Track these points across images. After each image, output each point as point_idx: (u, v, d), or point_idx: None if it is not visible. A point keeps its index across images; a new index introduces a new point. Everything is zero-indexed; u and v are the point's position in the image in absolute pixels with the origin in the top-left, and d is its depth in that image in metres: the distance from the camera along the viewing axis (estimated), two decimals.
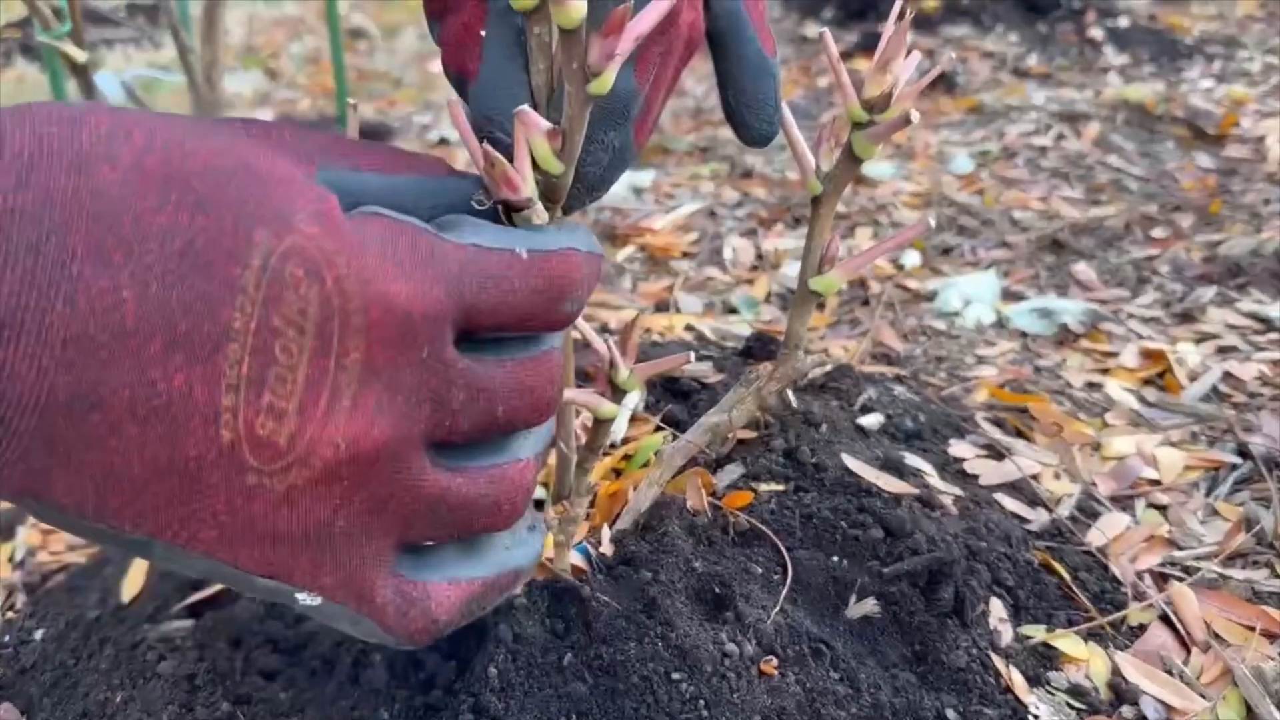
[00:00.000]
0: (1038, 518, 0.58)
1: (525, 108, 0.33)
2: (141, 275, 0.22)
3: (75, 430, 0.22)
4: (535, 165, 0.34)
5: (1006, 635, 0.50)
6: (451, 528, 0.30)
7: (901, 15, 0.44)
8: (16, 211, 0.21)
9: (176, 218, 0.23)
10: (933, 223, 0.52)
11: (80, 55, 1.11)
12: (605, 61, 0.32)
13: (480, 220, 0.29)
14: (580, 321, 0.40)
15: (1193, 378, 0.76)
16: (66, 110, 0.23)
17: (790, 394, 0.64)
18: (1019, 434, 0.68)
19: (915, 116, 0.42)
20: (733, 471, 0.58)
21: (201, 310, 0.23)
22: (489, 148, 0.32)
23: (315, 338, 0.24)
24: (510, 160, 0.33)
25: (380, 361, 0.25)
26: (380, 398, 0.26)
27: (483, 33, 0.39)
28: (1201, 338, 0.83)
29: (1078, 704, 0.47)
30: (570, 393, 0.38)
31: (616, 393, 0.39)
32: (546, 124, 0.33)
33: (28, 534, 0.63)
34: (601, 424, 0.42)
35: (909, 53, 0.46)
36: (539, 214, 0.35)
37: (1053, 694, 0.48)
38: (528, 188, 0.34)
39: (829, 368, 0.71)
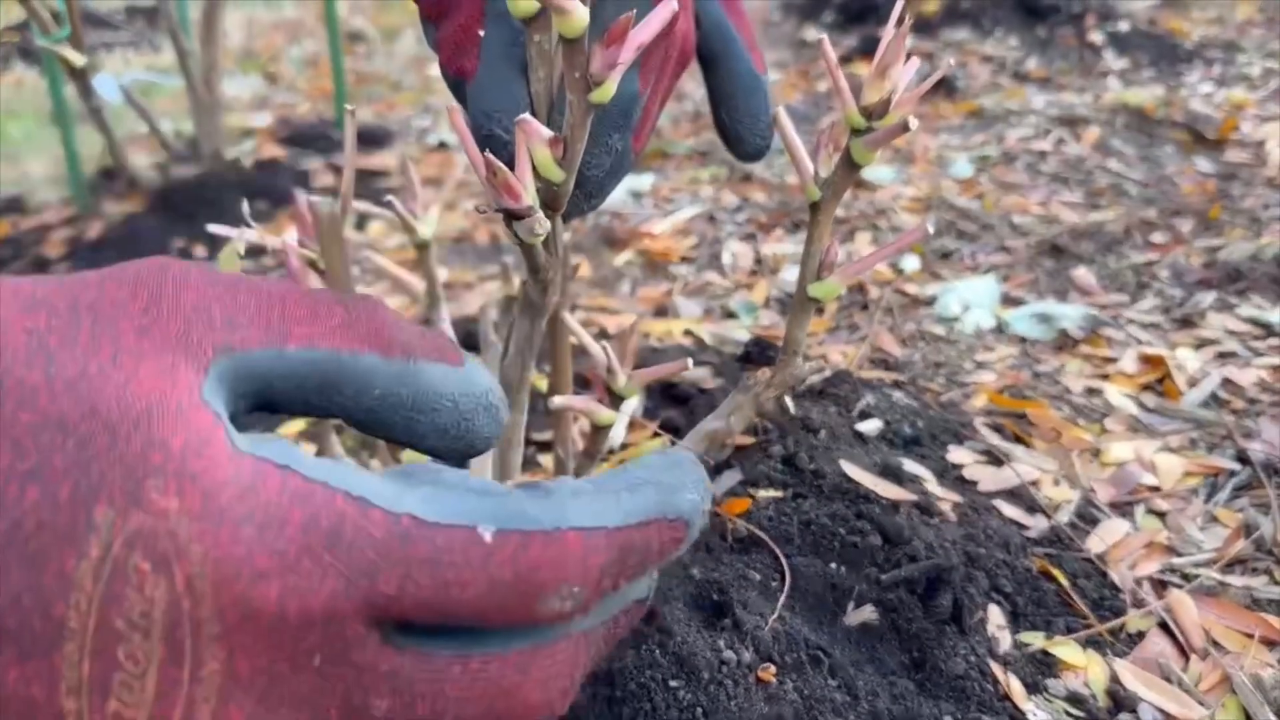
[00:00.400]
0: (1036, 524, 0.58)
1: (526, 116, 0.33)
2: None
3: None
4: (536, 173, 0.34)
5: (1005, 642, 0.50)
6: None
7: (900, 21, 0.44)
8: None
9: (6, 488, 0.19)
10: (931, 228, 0.51)
11: (79, 59, 1.11)
12: (607, 70, 0.32)
13: (441, 468, 0.22)
14: (577, 327, 0.40)
15: (1192, 383, 0.76)
16: None
17: (789, 400, 0.64)
18: (1018, 440, 0.68)
19: (914, 123, 0.42)
20: (731, 478, 0.58)
21: (32, 605, 0.19)
22: (490, 156, 0.32)
23: (163, 643, 0.20)
24: (511, 168, 0.33)
25: (246, 672, 0.20)
26: (252, 712, 0.20)
27: (481, 33, 0.39)
28: (1201, 343, 0.83)
29: (1076, 711, 0.47)
30: (567, 399, 0.38)
31: (614, 399, 0.39)
32: (548, 132, 0.33)
33: None
34: (600, 430, 0.42)
35: (908, 58, 0.46)
36: (540, 223, 0.35)
37: (1051, 701, 0.48)
38: (529, 195, 0.34)
39: (827, 373, 0.70)
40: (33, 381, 0.19)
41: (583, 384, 0.71)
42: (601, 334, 0.84)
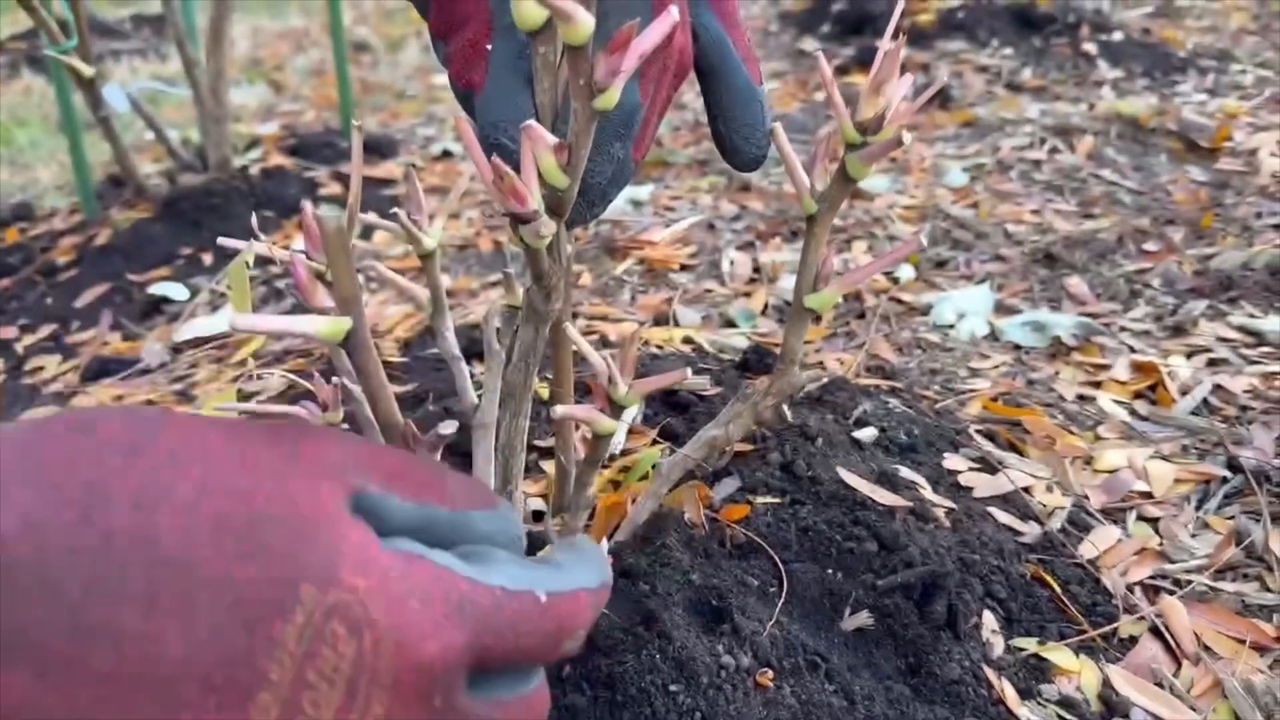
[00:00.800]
0: (1030, 530, 0.59)
1: (532, 123, 0.34)
2: (189, 625, 0.23)
3: None
4: (541, 178, 0.35)
5: (999, 647, 0.51)
6: None
7: (896, 35, 0.45)
8: (76, 550, 0.22)
9: (229, 569, 0.23)
10: (925, 241, 0.53)
11: (87, 70, 1.12)
12: (610, 78, 0.33)
13: (502, 553, 0.30)
14: (578, 337, 0.41)
15: (1184, 391, 0.77)
16: (131, 428, 0.24)
17: (786, 407, 0.65)
18: (1012, 447, 0.69)
19: (908, 139, 0.43)
20: (730, 484, 0.59)
21: (240, 661, 0.23)
22: (498, 161, 0.33)
23: (344, 692, 0.25)
24: (518, 174, 0.34)
25: (399, 715, 0.26)
26: None
27: (488, 48, 0.40)
28: (1193, 351, 0.84)
29: (1069, 716, 0.48)
30: (569, 409, 0.39)
31: (615, 408, 0.40)
32: (553, 138, 0.34)
33: None
34: (601, 438, 0.42)
35: (903, 70, 0.47)
36: (545, 226, 0.36)
37: (1044, 706, 0.48)
38: (534, 201, 0.35)
39: (825, 381, 0.71)
40: (245, 487, 0.25)
41: (585, 391, 0.72)
42: (603, 342, 0.85)
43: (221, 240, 0.52)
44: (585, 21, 0.32)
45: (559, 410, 0.39)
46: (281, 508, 0.25)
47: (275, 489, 0.25)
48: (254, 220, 0.50)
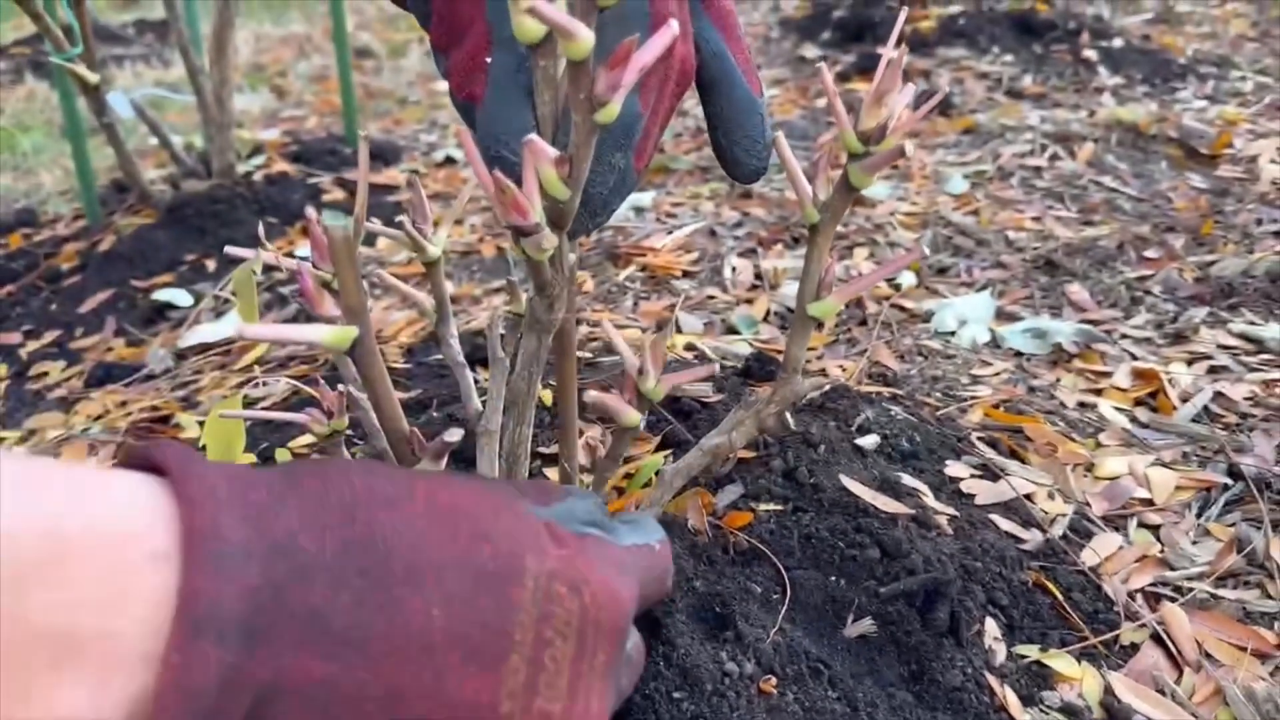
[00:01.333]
0: (1032, 538, 0.59)
1: (533, 136, 0.34)
2: (446, 595, 0.27)
3: None
4: (543, 191, 0.35)
5: (1001, 654, 0.51)
6: None
7: (898, 44, 0.46)
8: (350, 543, 0.25)
9: (469, 546, 0.28)
10: (927, 250, 0.53)
11: (92, 77, 1.13)
12: (611, 92, 0.34)
13: (609, 521, 0.36)
14: (612, 330, 0.42)
15: (1185, 398, 0.77)
16: (356, 464, 0.29)
17: (789, 415, 0.65)
18: (1013, 454, 0.69)
19: (910, 149, 0.44)
20: (732, 491, 0.59)
21: (491, 626, 0.27)
22: (499, 175, 0.34)
23: (576, 645, 0.29)
24: (519, 186, 0.34)
25: (612, 658, 0.30)
26: (607, 689, 0.30)
27: (488, 60, 0.41)
28: (1194, 358, 0.84)
29: None
30: (600, 396, 0.40)
31: (642, 401, 0.41)
32: (554, 151, 0.35)
33: None
34: (623, 432, 0.43)
35: (904, 78, 0.47)
36: (547, 239, 0.36)
37: (1046, 713, 0.49)
38: (536, 213, 0.36)
39: (827, 388, 0.72)
40: (463, 491, 0.30)
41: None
42: (605, 348, 0.85)
43: (229, 249, 0.53)
44: (586, 38, 0.32)
45: (591, 394, 0.39)
46: (491, 505, 0.29)
47: (479, 491, 0.30)
48: (260, 229, 0.51)
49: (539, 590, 0.28)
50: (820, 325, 0.90)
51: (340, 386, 0.54)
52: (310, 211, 0.46)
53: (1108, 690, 0.50)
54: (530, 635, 0.27)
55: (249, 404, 0.81)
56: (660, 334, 0.40)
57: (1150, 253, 1.06)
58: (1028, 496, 0.63)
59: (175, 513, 0.24)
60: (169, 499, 0.24)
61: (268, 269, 1.13)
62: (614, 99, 0.34)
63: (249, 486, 0.26)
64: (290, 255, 1.06)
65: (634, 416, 0.39)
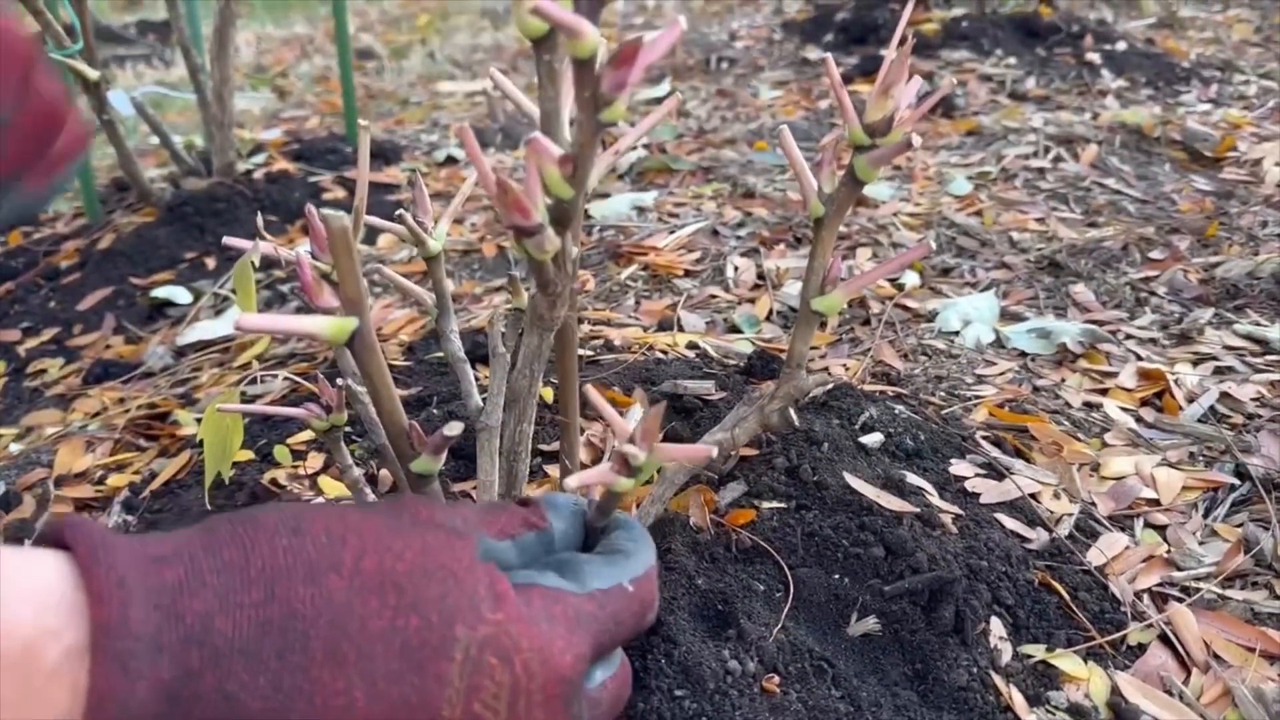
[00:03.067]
0: (1037, 537, 0.59)
1: (537, 134, 0.34)
2: (369, 674, 0.26)
3: None
4: (546, 190, 0.35)
5: (1006, 654, 0.50)
6: None
7: (903, 41, 0.45)
8: (268, 623, 0.25)
9: (395, 620, 0.27)
10: (933, 244, 0.53)
11: (92, 73, 1.13)
12: (617, 90, 0.33)
13: (585, 557, 0.34)
14: (600, 401, 0.37)
15: (1190, 399, 0.77)
16: (286, 517, 0.27)
17: (792, 411, 0.64)
18: (1018, 453, 0.69)
19: (916, 141, 0.43)
20: (735, 489, 0.59)
21: (417, 703, 0.26)
22: (502, 176, 0.33)
23: (507, 715, 0.28)
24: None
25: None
26: None
27: None
28: (1199, 359, 0.83)
29: None
30: (582, 478, 0.36)
31: (632, 470, 0.38)
32: (558, 150, 0.34)
33: None
34: (614, 496, 0.40)
35: (910, 77, 0.47)
36: (550, 239, 0.36)
37: (1053, 714, 0.48)
38: (539, 213, 0.35)
39: (830, 386, 0.71)
40: (396, 548, 0.28)
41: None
42: (606, 346, 0.85)
43: (227, 240, 0.52)
44: (592, 36, 0.31)
45: (572, 483, 0.36)
46: (427, 561, 0.28)
47: (419, 546, 0.28)
48: (259, 220, 0.50)
49: (468, 662, 0.27)
50: (823, 322, 0.89)
51: (339, 381, 0.53)
52: (309, 206, 0.45)
53: (1115, 690, 0.49)
54: (459, 710, 0.27)
55: (246, 400, 0.81)
56: (655, 409, 0.36)
57: (1155, 254, 1.05)
58: (1033, 496, 0.63)
59: (86, 608, 0.24)
60: (80, 593, 0.24)
61: (267, 266, 1.13)
62: (619, 97, 0.33)
63: (164, 565, 0.25)
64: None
65: (626, 484, 0.36)
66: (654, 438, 0.36)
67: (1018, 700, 0.48)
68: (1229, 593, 0.56)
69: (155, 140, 1.51)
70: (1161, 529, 0.62)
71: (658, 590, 0.35)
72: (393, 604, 0.27)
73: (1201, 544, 0.61)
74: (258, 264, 0.49)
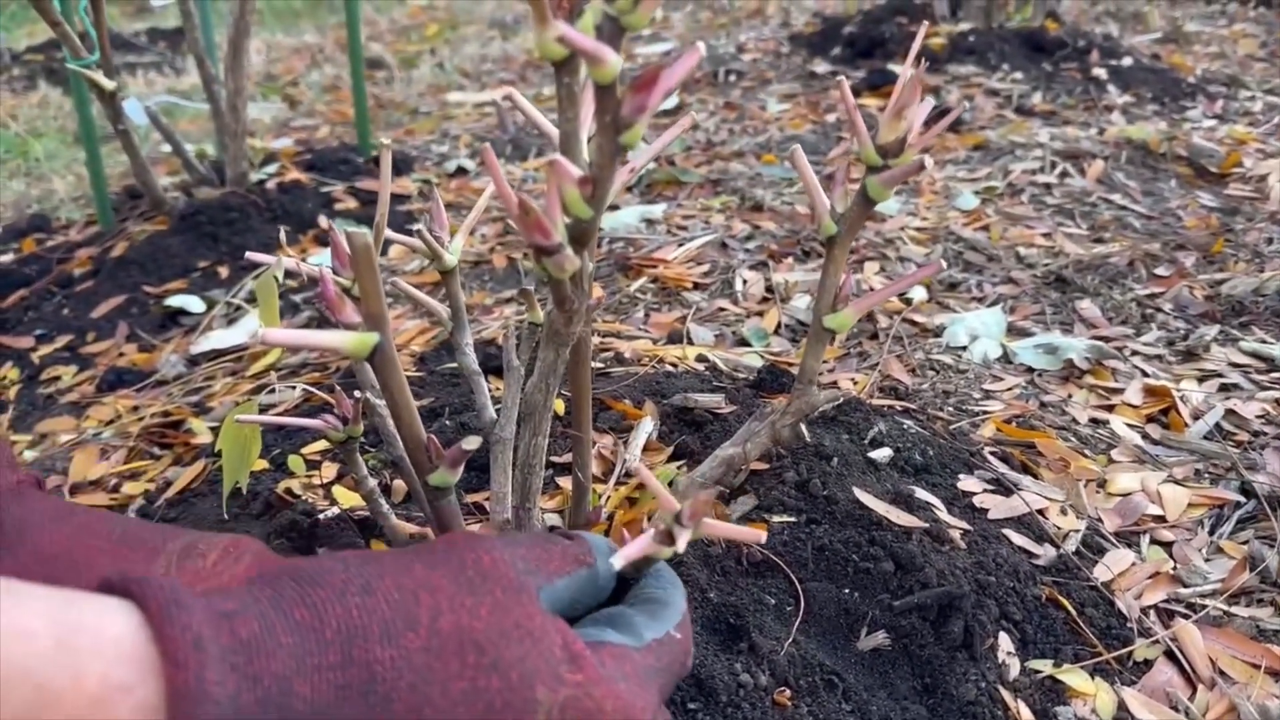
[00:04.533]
0: (1045, 553, 0.59)
1: (558, 155, 0.34)
2: None
3: None
4: (565, 210, 0.36)
5: (1014, 669, 0.51)
6: None
7: (917, 63, 0.46)
8: (347, 687, 0.24)
9: (476, 681, 0.26)
10: (944, 264, 0.53)
11: (109, 83, 1.14)
12: (637, 114, 0.34)
13: (627, 610, 0.34)
14: (652, 480, 0.37)
15: (1196, 416, 0.77)
16: (354, 574, 0.27)
17: (803, 426, 0.65)
18: (1025, 469, 0.69)
19: (929, 163, 0.44)
20: (746, 503, 0.59)
21: None
22: (524, 195, 0.34)
23: None
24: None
25: None
26: None
27: None
28: (1205, 376, 0.84)
29: None
30: (627, 551, 0.36)
31: (674, 541, 0.37)
32: (578, 171, 0.35)
33: None
34: (650, 561, 0.40)
35: (921, 99, 0.48)
36: (569, 259, 0.37)
37: None
38: (559, 233, 0.36)
39: (839, 400, 0.72)
40: (469, 605, 0.28)
41: (602, 406, 0.72)
42: (616, 359, 0.86)
43: (249, 255, 0.53)
44: (613, 62, 0.32)
45: (618, 562, 0.36)
46: (503, 620, 0.28)
47: (490, 603, 0.28)
48: (282, 234, 0.51)
49: None
50: (833, 338, 0.90)
51: (356, 393, 0.54)
52: (326, 220, 0.46)
53: (1121, 706, 0.50)
54: None
55: (262, 410, 0.81)
56: (706, 494, 0.37)
57: (1161, 270, 1.06)
58: (1040, 512, 0.63)
59: (159, 666, 0.23)
60: (152, 647, 0.23)
61: (288, 277, 1.14)
62: (638, 121, 0.34)
63: (237, 621, 0.24)
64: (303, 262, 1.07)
65: (667, 551, 0.37)
66: (701, 517, 0.36)
67: (1025, 715, 0.48)
68: (1234, 609, 0.57)
69: (167, 149, 1.53)
70: (1167, 545, 0.63)
71: (692, 633, 0.35)
72: (472, 664, 0.26)
73: (1207, 561, 0.61)
74: (281, 279, 0.50)
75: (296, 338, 0.40)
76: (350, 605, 0.26)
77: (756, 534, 0.37)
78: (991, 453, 0.70)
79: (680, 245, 1.15)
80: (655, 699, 0.31)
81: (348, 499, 0.65)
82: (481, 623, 0.27)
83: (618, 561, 0.34)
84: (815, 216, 0.49)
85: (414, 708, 0.25)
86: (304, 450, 0.72)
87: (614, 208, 1.30)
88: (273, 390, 0.86)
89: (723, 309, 0.99)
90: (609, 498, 0.62)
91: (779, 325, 0.94)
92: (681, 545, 0.36)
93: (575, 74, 0.36)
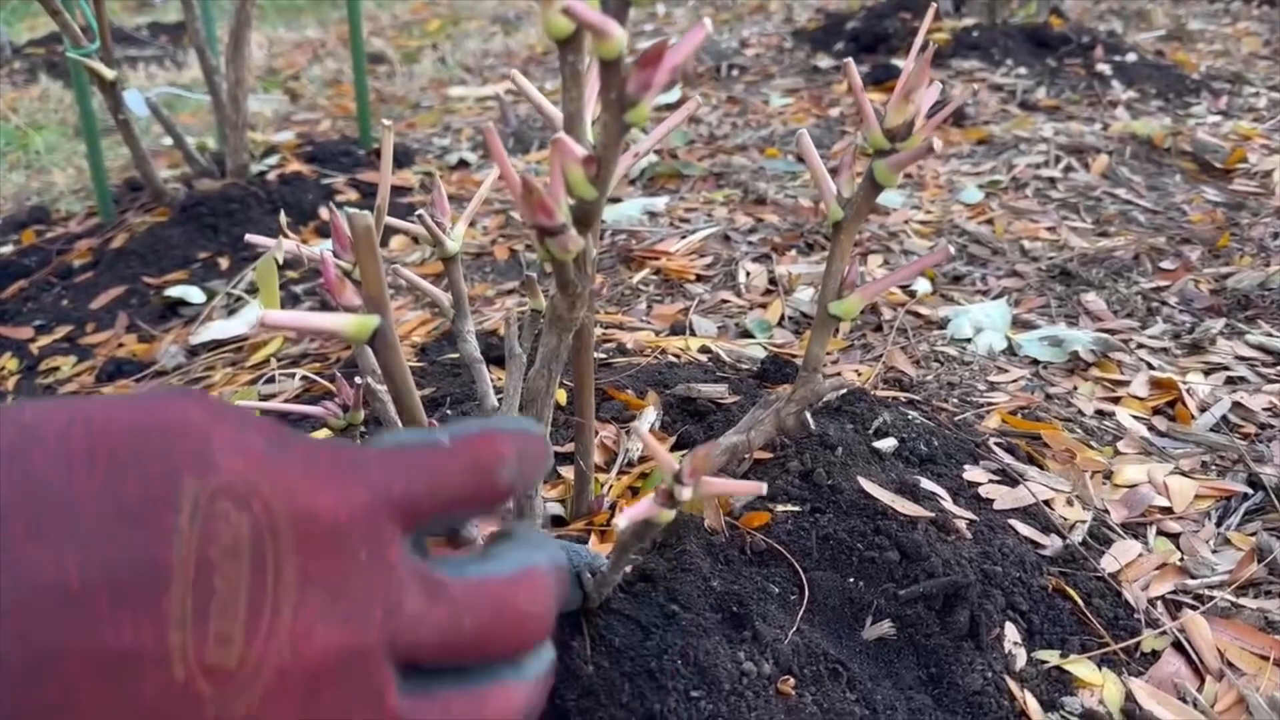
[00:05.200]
0: (1051, 543, 0.59)
1: (561, 134, 0.34)
2: (81, 540, 0.23)
3: (33, 700, 0.23)
4: (569, 191, 0.35)
5: (1021, 659, 0.50)
6: None
7: (924, 47, 0.46)
8: None
9: (107, 485, 0.24)
10: (953, 250, 0.53)
11: (109, 73, 1.14)
12: (643, 91, 0.34)
13: (405, 430, 0.31)
14: (651, 441, 0.36)
15: (1203, 408, 0.77)
16: (7, 412, 0.25)
17: (808, 415, 0.65)
18: (1031, 460, 0.69)
19: (938, 145, 0.44)
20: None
21: (141, 560, 0.24)
22: (527, 175, 0.34)
23: (250, 562, 0.25)
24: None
25: (315, 570, 0.26)
26: (322, 605, 0.26)
27: None
28: (1211, 368, 0.83)
29: None
30: (630, 512, 0.36)
31: (674, 503, 0.37)
32: (582, 150, 0.34)
33: None
34: (651, 526, 0.40)
35: (930, 83, 0.47)
36: (573, 239, 0.36)
37: (1067, 719, 0.48)
38: (562, 213, 0.35)
39: (844, 391, 0.71)
40: (109, 414, 0.25)
41: (604, 396, 0.72)
42: (619, 349, 0.85)
43: (249, 238, 0.53)
44: (619, 37, 0.32)
45: (623, 522, 0.36)
46: (148, 420, 0.25)
47: (138, 409, 0.25)
48: (283, 218, 0.51)
49: (199, 511, 0.25)
50: (836, 328, 0.89)
51: (358, 380, 0.53)
52: (330, 206, 0.46)
53: (1129, 697, 0.49)
54: (192, 560, 0.24)
55: (262, 399, 0.81)
56: (706, 447, 0.36)
57: (1166, 264, 1.05)
58: (1046, 502, 0.63)
59: None
60: None
61: (281, 267, 1.13)
62: (645, 98, 0.34)
63: None
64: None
65: (668, 515, 0.36)
66: (701, 474, 0.36)
67: (1032, 705, 0.48)
68: (1242, 601, 0.56)
69: (168, 141, 1.52)
70: (1175, 537, 0.62)
71: (507, 455, 0.30)
72: (103, 468, 0.24)
73: (1215, 552, 0.61)
74: (281, 261, 0.49)
75: (297, 320, 0.39)
76: None
77: (757, 487, 0.36)
78: (997, 444, 0.69)
79: (683, 238, 1.14)
80: (359, 494, 0.27)
81: None
82: (120, 427, 0.25)
83: (623, 521, 0.33)
84: (822, 201, 0.49)
85: (33, 518, 0.23)
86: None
87: (616, 200, 1.30)
88: (272, 379, 0.86)
89: (725, 301, 0.98)
90: (611, 487, 0.62)
91: (782, 317, 0.94)
92: (685, 497, 0.35)
93: (579, 52, 0.36)
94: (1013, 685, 0.48)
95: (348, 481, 0.27)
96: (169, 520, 0.24)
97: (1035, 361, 0.86)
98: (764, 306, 0.96)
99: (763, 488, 0.36)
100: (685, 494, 0.35)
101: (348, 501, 0.27)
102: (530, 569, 0.30)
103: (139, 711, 0.24)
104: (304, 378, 0.83)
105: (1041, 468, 0.68)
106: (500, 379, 0.74)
